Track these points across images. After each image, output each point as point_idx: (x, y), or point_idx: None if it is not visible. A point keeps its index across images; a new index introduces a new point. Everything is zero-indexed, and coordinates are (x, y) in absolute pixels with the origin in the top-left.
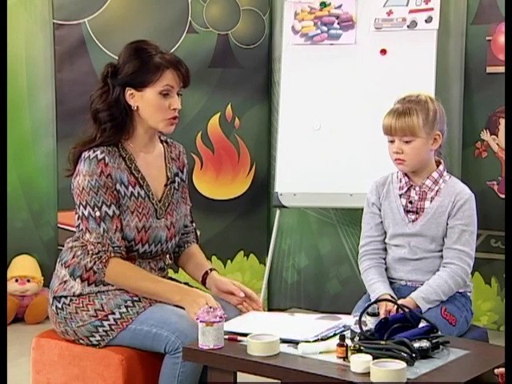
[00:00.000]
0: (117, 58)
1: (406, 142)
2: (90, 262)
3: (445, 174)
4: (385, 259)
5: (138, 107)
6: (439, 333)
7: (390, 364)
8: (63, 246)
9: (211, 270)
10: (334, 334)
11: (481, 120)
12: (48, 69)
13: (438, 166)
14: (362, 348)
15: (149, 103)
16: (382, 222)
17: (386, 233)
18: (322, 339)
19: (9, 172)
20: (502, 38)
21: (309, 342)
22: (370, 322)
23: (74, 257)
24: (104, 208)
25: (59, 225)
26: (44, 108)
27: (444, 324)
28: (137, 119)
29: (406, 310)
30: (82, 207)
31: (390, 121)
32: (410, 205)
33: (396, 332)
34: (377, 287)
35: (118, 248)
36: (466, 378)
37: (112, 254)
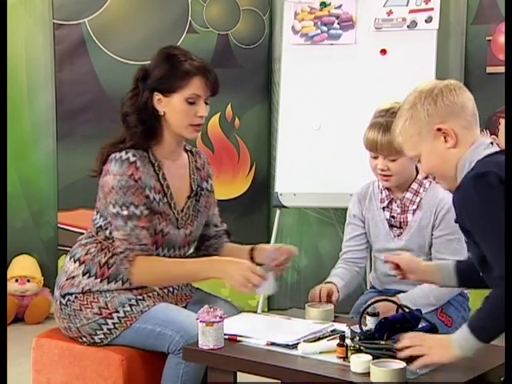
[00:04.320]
0: (114, 56)
1: (392, 160)
2: (119, 262)
3: (424, 181)
4: (362, 268)
5: (164, 113)
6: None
7: (390, 364)
8: (63, 246)
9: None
10: (319, 338)
11: (481, 120)
12: (48, 69)
13: (417, 171)
14: (361, 348)
15: (175, 109)
16: (364, 233)
17: (367, 243)
18: (304, 342)
19: (9, 172)
20: (502, 38)
21: (288, 346)
22: (370, 322)
23: (87, 253)
24: (132, 208)
25: (59, 225)
26: (44, 108)
27: (438, 325)
28: (164, 124)
29: (406, 310)
30: (111, 205)
31: (376, 136)
32: (393, 219)
33: (396, 332)
34: (330, 279)
35: (144, 246)
36: (465, 378)
37: (139, 252)
